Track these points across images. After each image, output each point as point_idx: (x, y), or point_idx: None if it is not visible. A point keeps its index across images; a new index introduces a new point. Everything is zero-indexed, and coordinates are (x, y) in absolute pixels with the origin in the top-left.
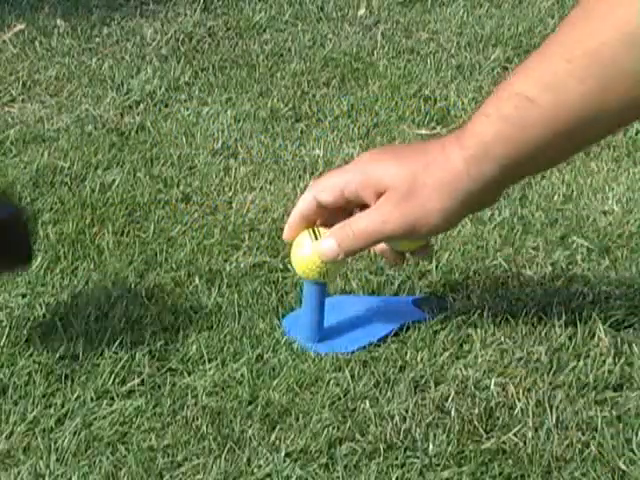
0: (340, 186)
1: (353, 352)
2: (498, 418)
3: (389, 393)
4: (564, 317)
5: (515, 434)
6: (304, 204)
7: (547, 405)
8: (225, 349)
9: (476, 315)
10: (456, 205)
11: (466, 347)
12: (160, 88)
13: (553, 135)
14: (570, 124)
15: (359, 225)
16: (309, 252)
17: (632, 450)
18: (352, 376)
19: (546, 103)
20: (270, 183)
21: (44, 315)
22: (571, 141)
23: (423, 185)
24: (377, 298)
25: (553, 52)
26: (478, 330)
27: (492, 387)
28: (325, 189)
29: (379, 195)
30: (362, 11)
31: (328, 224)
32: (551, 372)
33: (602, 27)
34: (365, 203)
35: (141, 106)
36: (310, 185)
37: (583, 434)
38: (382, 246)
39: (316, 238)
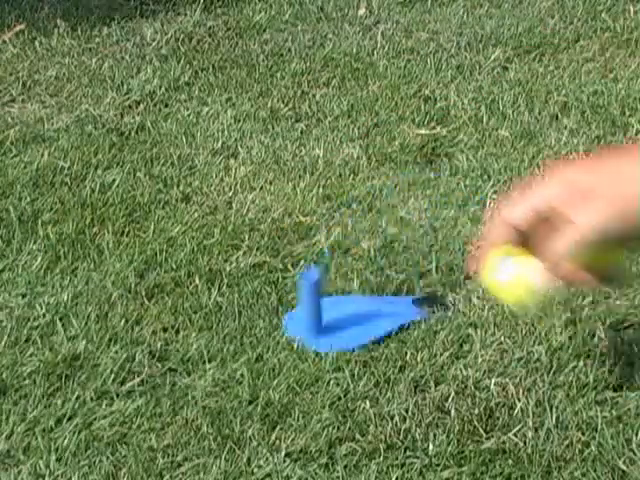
0: (536, 205)
1: (353, 350)
2: (498, 418)
3: (389, 393)
4: (564, 317)
5: (515, 434)
6: (497, 233)
7: (547, 405)
8: (225, 349)
9: (476, 315)
10: None
11: (466, 347)
12: (160, 88)
13: None
14: None
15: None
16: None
17: (632, 450)
18: (352, 376)
19: None
20: (270, 183)
21: (44, 315)
22: None
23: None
24: (377, 298)
25: None
26: (478, 330)
27: (492, 387)
28: (518, 212)
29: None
30: (362, 11)
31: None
32: (551, 372)
33: None
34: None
35: (141, 106)
36: (498, 213)
37: (583, 434)
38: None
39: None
